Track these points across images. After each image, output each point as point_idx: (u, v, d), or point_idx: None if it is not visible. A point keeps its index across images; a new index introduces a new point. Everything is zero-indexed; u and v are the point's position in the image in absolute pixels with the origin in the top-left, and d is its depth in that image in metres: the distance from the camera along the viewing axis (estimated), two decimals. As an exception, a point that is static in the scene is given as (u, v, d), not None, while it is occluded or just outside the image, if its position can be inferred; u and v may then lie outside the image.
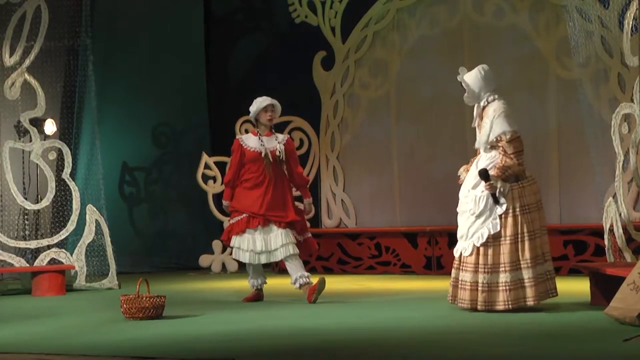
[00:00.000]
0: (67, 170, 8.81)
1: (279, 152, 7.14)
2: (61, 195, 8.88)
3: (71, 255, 8.71)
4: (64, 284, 8.43)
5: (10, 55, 8.83)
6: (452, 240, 9.40)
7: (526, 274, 5.91)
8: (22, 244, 8.79)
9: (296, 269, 7.03)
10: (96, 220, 8.81)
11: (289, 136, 7.47)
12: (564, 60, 9.19)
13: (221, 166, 10.49)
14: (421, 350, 4.72)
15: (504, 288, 5.91)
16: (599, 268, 6.33)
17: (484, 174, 6.00)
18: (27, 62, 8.86)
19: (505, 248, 5.94)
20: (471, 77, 6.34)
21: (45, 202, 8.82)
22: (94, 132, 9.24)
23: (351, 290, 7.67)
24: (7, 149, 8.79)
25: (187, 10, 11.46)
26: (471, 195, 6.11)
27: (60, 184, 8.84)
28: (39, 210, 9.08)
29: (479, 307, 5.96)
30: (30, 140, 8.90)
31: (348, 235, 10.03)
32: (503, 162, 6.00)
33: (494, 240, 5.96)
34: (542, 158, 9.40)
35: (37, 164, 8.98)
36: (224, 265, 10.56)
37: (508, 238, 5.94)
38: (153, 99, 11.15)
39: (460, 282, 6.10)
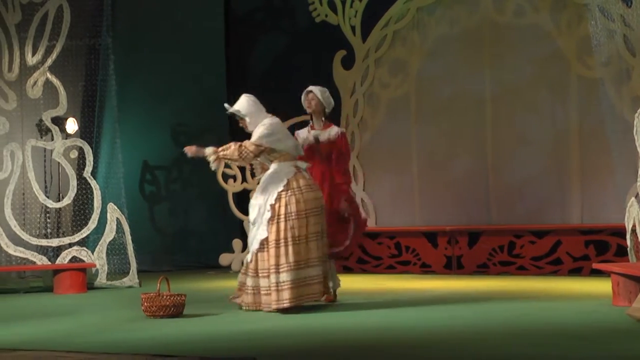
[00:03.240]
0: (89, 168, 8.83)
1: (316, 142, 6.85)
2: (82, 194, 8.91)
3: (92, 253, 8.73)
4: (85, 282, 8.45)
5: (33, 54, 8.87)
6: (473, 239, 9.40)
7: (286, 277, 6.21)
8: (44, 242, 8.83)
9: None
10: (117, 218, 8.82)
11: (341, 130, 7.04)
12: (585, 60, 9.11)
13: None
14: (440, 350, 4.69)
15: (265, 292, 6.30)
16: (621, 269, 6.26)
17: None
18: (49, 61, 8.90)
19: (271, 252, 6.27)
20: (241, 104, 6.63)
21: (67, 201, 8.84)
22: (115, 130, 9.26)
23: (371, 289, 7.63)
24: (30, 147, 8.82)
25: (208, 10, 11.47)
26: (252, 204, 6.50)
27: (82, 182, 8.87)
28: (60, 209, 9.11)
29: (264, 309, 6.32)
30: (52, 139, 8.94)
31: (368, 235, 9.97)
32: (232, 146, 6.46)
33: (266, 245, 6.30)
34: (563, 158, 9.33)
35: (58, 163, 9.01)
36: (243, 263, 10.53)
37: (273, 243, 6.27)
38: (173, 98, 11.16)
39: (245, 287, 6.48)
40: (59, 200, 8.99)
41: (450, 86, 9.95)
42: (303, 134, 6.97)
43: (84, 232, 8.80)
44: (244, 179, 10.48)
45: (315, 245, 6.32)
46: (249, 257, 6.49)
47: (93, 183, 8.87)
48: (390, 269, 9.85)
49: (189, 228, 11.34)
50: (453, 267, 9.47)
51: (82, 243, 8.83)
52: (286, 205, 6.30)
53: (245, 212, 10.52)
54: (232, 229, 10.97)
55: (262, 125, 6.47)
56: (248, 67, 11.78)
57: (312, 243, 6.31)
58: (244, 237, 10.58)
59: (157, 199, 11.30)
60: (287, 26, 11.56)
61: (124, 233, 8.81)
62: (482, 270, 9.28)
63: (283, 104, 10.85)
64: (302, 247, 6.28)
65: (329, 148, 6.87)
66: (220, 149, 6.54)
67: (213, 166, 6.56)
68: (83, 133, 9.34)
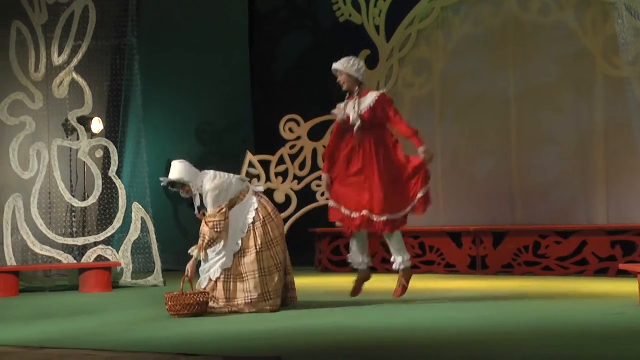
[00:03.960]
0: (114, 168, 8.87)
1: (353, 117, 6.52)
2: (107, 193, 8.95)
3: (117, 252, 8.77)
4: (110, 280, 8.49)
5: (59, 54, 8.92)
6: (497, 239, 9.34)
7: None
8: (69, 241, 8.88)
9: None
10: (142, 217, 8.85)
11: (380, 93, 6.66)
12: (611, 59, 9.03)
13: (265, 165, 10.50)
14: (465, 350, 4.66)
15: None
16: (648, 269, 6.19)
17: None
18: (75, 61, 8.95)
19: (237, 285, 6.24)
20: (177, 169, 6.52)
21: (92, 200, 8.89)
22: (140, 130, 9.30)
23: (392, 290, 7.57)
24: (56, 147, 8.88)
25: (232, 9, 11.49)
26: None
27: (107, 181, 8.91)
28: (85, 208, 9.16)
29: None
30: (78, 139, 8.99)
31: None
32: (202, 232, 6.29)
33: (229, 276, 6.25)
34: (588, 158, 9.26)
35: (84, 162, 9.06)
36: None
37: (246, 274, 6.24)
38: (197, 98, 11.19)
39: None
40: (85, 200, 9.04)
41: (475, 86, 9.90)
42: (337, 110, 6.63)
43: (109, 231, 8.84)
44: (268, 179, 10.49)
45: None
46: (204, 284, 6.31)
47: (118, 182, 8.91)
48: (414, 269, 9.72)
49: (213, 227, 11.35)
50: (477, 267, 9.42)
51: (107, 242, 8.88)
52: (264, 235, 6.29)
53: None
54: (256, 228, 10.97)
55: (207, 192, 6.33)
56: (272, 67, 11.80)
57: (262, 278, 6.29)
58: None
59: (181, 198, 11.16)
60: (311, 26, 11.55)
61: (148, 232, 8.84)
62: (507, 270, 9.23)
63: (306, 103, 10.94)
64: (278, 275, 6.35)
65: (372, 115, 6.52)
66: (199, 242, 6.34)
67: (201, 256, 6.34)
68: (108, 133, 9.39)
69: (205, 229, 6.34)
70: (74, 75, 8.95)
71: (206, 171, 6.52)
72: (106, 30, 9.13)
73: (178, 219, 11.24)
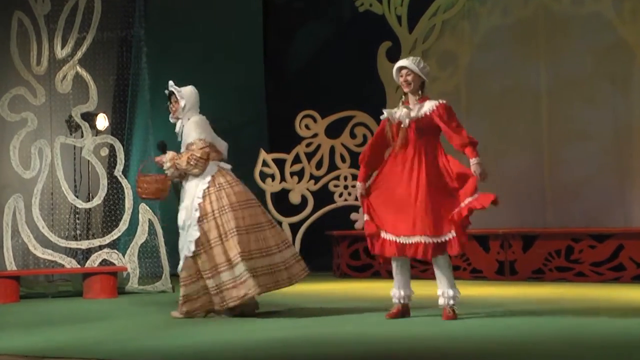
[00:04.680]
0: (120, 167, 8.88)
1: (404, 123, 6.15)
2: (113, 194, 8.96)
3: (123, 256, 8.78)
4: (116, 286, 8.49)
5: (62, 47, 8.94)
6: (527, 243, 9.29)
7: (243, 267, 6.33)
8: (73, 244, 8.90)
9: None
10: (149, 219, 8.86)
11: (439, 102, 6.22)
12: (652, 50, 8.99)
13: (280, 163, 10.49)
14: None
15: (217, 291, 6.41)
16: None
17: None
18: (79, 54, 8.96)
19: (216, 250, 6.40)
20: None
21: (97, 201, 8.90)
22: (148, 127, 9.30)
23: (418, 296, 7.54)
24: (59, 144, 8.89)
25: (245, -1, 11.51)
26: (180, 209, 6.65)
27: (112, 181, 8.92)
28: (90, 209, 9.17)
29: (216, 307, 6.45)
30: (82, 136, 9.00)
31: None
32: (182, 156, 6.56)
33: (206, 244, 6.45)
34: (625, 155, 9.23)
35: (88, 161, 9.07)
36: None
37: (215, 240, 6.41)
38: (208, 92, 11.08)
39: None
40: (89, 200, 9.05)
41: (503, 79, 9.88)
42: (387, 113, 6.27)
43: (115, 234, 8.85)
44: (282, 179, 10.48)
45: (261, 235, 6.47)
46: (181, 265, 6.60)
47: (124, 182, 8.92)
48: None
49: (225, 230, 11.35)
50: (506, 272, 9.37)
51: (112, 245, 8.88)
52: (218, 200, 6.48)
53: (286, 213, 10.63)
54: (270, 231, 10.96)
55: (193, 123, 6.65)
56: (287, 59, 11.79)
57: (257, 234, 6.45)
58: (282, 239, 10.57)
59: (191, 199, 11.32)
60: (328, 16, 11.54)
61: (156, 235, 8.84)
62: (537, 276, 9.18)
63: (324, 98, 10.93)
64: (248, 237, 6.41)
65: (427, 124, 6.14)
66: (174, 155, 6.65)
67: (169, 172, 6.66)
68: (114, 130, 9.40)
69: (185, 156, 6.57)
70: (78, 68, 8.97)
71: (201, 115, 6.82)
72: (112, 20, 9.14)
73: (188, 221, 11.23)
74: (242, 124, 11.53)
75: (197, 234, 6.47)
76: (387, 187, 6.20)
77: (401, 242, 6.12)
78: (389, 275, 9.84)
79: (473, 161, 6.09)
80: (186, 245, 6.55)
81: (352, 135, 10.55)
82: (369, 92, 10.60)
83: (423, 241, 6.06)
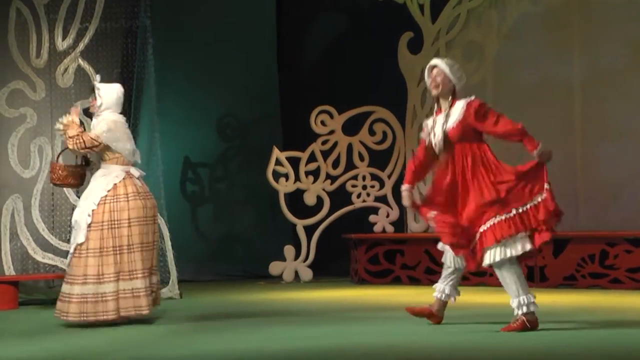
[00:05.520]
0: (124, 166, 8.88)
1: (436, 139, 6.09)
2: (117, 194, 8.96)
3: (128, 260, 8.78)
4: (120, 292, 8.50)
5: (63, 38, 8.96)
6: (558, 247, 9.25)
7: (109, 288, 6.61)
8: (74, 248, 8.91)
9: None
10: (155, 221, 8.87)
11: (468, 100, 6.16)
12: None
13: (294, 162, 10.50)
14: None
15: (68, 300, 6.64)
16: None
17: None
18: (81, 45, 8.98)
19: (90, 260, 6.63)
20: None
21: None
22: (153, 123, 9.31)
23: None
24: (60, 142, 8.92)
25: (257, -14, 11.52)
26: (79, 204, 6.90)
27: (117, 180, 8.92)
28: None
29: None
30: (84, 132, 9.01)
31: (437, 241, 9.89)
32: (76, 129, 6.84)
33: (84, 251, 6.66)
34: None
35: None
36: (296, 273, 10.56)
37: (91, 251, 6.64)
38: (218, 87, 11.21)
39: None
40: (92, 201, 9.07)
41: (533, 72, 9.84)
42: (424, 133, 6.23)
43: (119, 237, 8.86)
44: (297, 178, 10.48)
45: (140, 256, 6.66)
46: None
47: (129, 182, 8.93)
48: (462, 281, 9.71)
49: (236, 233, 11.38)
50: (535, 279, 9.33)
51: (116, 249, 8.89)
52: (110, 212, 6.69)
53: (300, 215, 10.64)
54: (284, 234, 10.98)
55: (103, 120, 6.86)
56: (302, 52, 11.79)
57: (136, 254, 6.65)
58: (297, 243, 10.59)
59: (200, 200, 11.37)
60: (346, 5, 11.53)
61: (163, 238, 8.86)
62: (570, 282, 9.14)
63: (340, 93, 10.92)
64: (125, 258, 6.64)
65: (462, 130, 6.05)
66: (75, 125, 6.90)
67: (60, 130, 6.96)
68: (118, 126, 9.41)
69: (75, 130, 6.83)
70: (80, 61, 8.99)
71: (122, 116, 6.99)
72: (116, 10, 9.15)
73: (196, 223, 11.27)
74: (254, 120, 11.55)
75: (82, 239, 6.68)
76: (437, 203, 6.15)
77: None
78: (411, 282, 9.87)
79: (536, 152, 6.13)
80: (72, 245, 6.81)
81: (371, 132, 10.55)
82: (389, 86, 10.58)
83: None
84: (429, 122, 6.26)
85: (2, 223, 8.66)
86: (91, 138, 6.79)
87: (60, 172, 7.00)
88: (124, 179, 6.79)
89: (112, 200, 6.72)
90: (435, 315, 6.33)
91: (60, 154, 7.31)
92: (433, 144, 6.12)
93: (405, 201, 6.26)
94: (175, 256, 8.89)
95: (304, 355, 5.21)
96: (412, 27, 10.47)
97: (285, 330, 6.30)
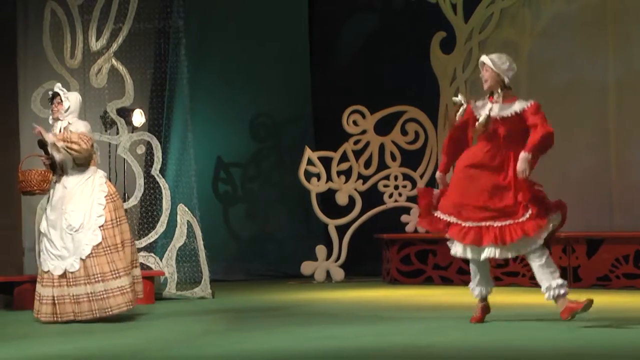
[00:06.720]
0: (157, 165, 8.93)
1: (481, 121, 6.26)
2: (150, 194, 9.01)
3: (161, 260, 8.84)
4: (153, 292, 8.55)
5: (97, 38, 9.01)
6: (592, 248, 9.19)
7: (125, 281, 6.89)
8: (107, 247, 8.97)
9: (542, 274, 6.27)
10: (188, 221, 8.91)
11: (529, 103, 6.38)
12: None
13: (326, 162, 10.50)
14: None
15: (102, 297, 6.86)
16: None
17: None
18: (115, 46, 9.01)
19: (107, 258, 6.87)
20: None
21: (134, 201, 8.97)
22: (186, 123, 9.34)
23: (474, 304, 7.51)
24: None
25: (290, -14, 11.53)
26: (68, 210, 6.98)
27: (149, 180, 8.97)
28: (126, 210, 9.24)
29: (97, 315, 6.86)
30: (117, 133, 9.06)
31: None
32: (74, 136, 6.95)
33: (101, 249, 6.89)
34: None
35: (124, 159, 9.13)
36: (328, 273, 10.56)
37: (110, 248, 6.90)
38: (251, 87, 11.24)
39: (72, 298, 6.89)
40: (125, 201, 9.12)
41: (568, 72, 9.78)
42: (471, 103, 6.41)
43: (152, 237, 8.91)
44: (329, 178, 10.49)
45: (130, 251, 7.02)
46: (72, 265, 6.87)
47: (162, 182, 8.97)
48: (495, 281, 9.67)
49: (268, 232, 11.41)
50: (569, 279, 9.27)
51: (149, 249, 8.95)
52: (115, 210, 7.01)
53: (332, 215, 10.64)
54: (316, 234, 10.99)
55: (78, 122, 7.12)
56: (334, 52, 11.79)
57: (127, 249, 6.98)
58: (328, 243, 10.60)
59: (232, 199, 11.41)
60: (378, 5, 11.53)
61: (195, 238, 8.89)
62: (603, 283, 9.08)
63: (373, 92, 10.92)
64: (128, 251, 7.01)
65: (512, 125, 6.32)
66: (63, 137, 6.97)
67: (56, 156, 7.01)
68: (151, 126, 9.47)
69: (76, 136, 6.95)
70: (114, 61, 9.04)
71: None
72: (149, 11, 9.19)
73: (228, 223, 11.31)
74: (286, 120, 11.57)
75: (99, 239, 6.87)
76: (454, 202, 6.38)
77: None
78: (443, 282, 9.84)
79: (522, 155, 6.37)
80: (81, 249, 6.87)
81: (403, 132, 10.54)
82: (421, 86, 10.57)
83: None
84: (478, 103, 6.40)
85: (36, 222, 8.72)
86: (89, 139, 7.03)
87: (36, 177, 7.11)
88: (105, 180, 7.14)
89: (111, 200, 7.03)
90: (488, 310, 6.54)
91: (22, 161, 7.42)
92: (477, 120, 6.29)
93: (442, 186, 6.47)
94: (207, 256, 8.92)
95: (337, 354, 5.22)
96: (445, 26, 10.44)
97: (317, 329, 6.30)
